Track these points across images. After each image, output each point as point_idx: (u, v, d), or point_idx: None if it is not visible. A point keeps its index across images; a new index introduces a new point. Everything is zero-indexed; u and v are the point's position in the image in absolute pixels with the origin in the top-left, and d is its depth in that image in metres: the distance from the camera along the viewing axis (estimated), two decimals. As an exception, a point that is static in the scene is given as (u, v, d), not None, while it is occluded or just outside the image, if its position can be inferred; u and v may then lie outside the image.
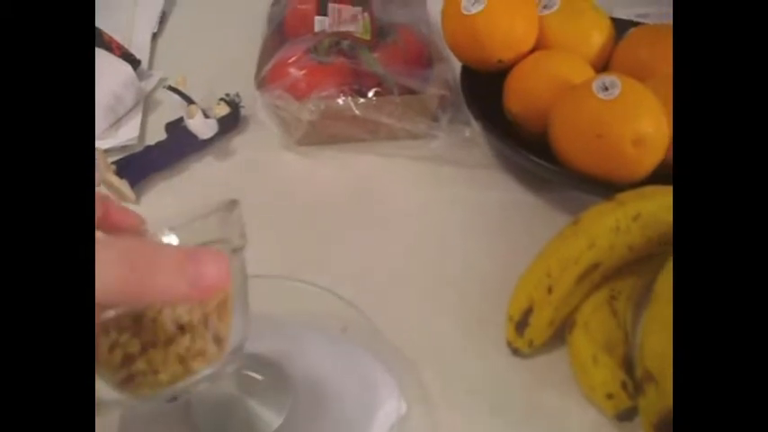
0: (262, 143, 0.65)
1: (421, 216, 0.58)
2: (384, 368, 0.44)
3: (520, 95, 0.58)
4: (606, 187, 0.50)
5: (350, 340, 0.45)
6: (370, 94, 0.60)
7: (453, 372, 0.46)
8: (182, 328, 0.32)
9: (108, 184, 0.59)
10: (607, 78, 0.51)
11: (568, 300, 0.46)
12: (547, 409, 0.44)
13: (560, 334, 0.46)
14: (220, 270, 0.26)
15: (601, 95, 0.50)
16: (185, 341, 0.32)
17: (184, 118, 0.62)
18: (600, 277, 0.46)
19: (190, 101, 0.64)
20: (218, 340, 0.33)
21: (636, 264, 0.48)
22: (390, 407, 0.42)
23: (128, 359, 0.32)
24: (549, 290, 0.45)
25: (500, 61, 0.59)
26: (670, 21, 0.41)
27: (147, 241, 0.29)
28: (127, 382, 0.32)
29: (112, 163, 0.60)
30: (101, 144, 0.64)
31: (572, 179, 0.53)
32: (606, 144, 0.50)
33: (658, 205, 0.46)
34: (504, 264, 0.50)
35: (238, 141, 0.66)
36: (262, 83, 0.62)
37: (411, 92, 0.61)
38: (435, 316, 0.50)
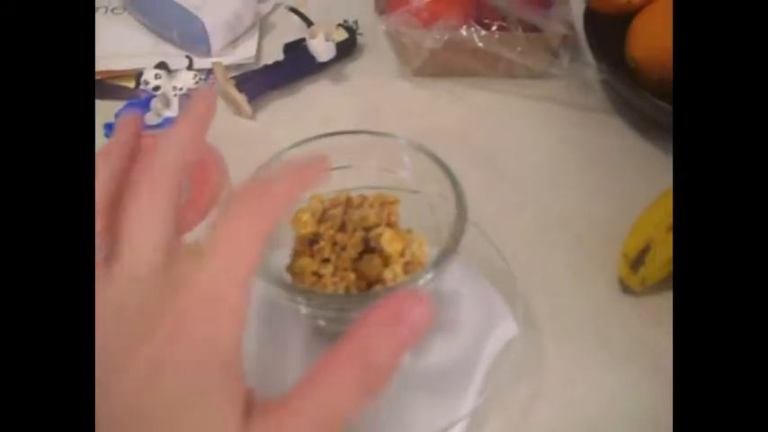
0: (377, 71, 0.65)
1: (534, 154, 0.57)
2: (498, 293, 0.44)
3: (646, 40, 0.57)
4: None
5: (467, 262, 0.45)
6: (494, 27, 0.59)
7: (562, 304, 0.47)
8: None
9: (226, 96, 0.61)
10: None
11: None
12: (655, 347, 0.44)
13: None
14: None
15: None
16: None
17: (306, 39, 0.63)
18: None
19: (309, 23, 0.65)
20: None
21: None
22: (503, 329, 0.43)
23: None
24: (670, 229, 0.45)
25: (629, 2, 0.58)
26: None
27: None
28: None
29: (231, 78, 0.62)
30: (219, 60, 0.66)
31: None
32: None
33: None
34: (617, 206, 0.50)
35: (353, 68, 0.66)
36: (383, 10, 0.63)
37: (533, 29, 0.60)
38: (546, 250, 0.50)
